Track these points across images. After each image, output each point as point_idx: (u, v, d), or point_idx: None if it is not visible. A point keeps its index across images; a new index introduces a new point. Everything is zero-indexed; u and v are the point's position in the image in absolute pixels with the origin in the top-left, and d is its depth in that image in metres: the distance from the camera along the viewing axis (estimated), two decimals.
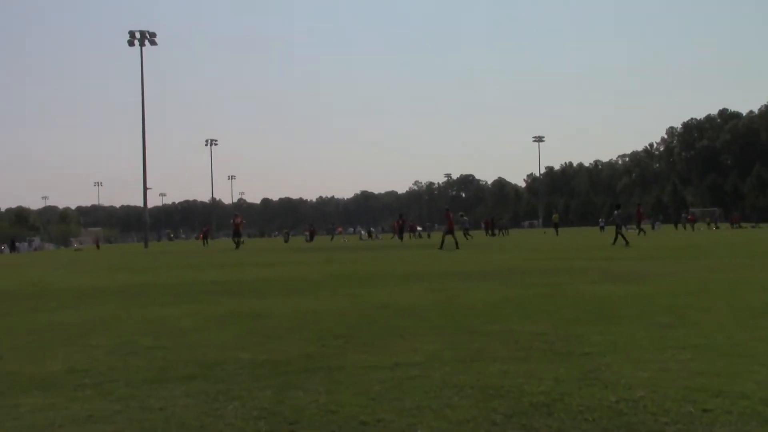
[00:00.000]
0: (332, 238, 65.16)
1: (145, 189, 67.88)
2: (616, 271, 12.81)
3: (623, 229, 26.38)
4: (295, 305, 8.79)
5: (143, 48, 64.06)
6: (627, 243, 25.26)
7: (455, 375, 4.47)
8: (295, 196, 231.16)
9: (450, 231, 29.51)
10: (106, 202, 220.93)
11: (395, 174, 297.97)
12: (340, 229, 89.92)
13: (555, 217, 57.56)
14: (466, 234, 42.99)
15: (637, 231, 40.47)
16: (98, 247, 65.32)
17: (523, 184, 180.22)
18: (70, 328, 7.28)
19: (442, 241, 29.31)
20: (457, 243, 28.80)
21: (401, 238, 46.81)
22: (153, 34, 64.64)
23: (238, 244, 39.10)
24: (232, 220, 42.37)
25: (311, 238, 60.09)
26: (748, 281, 10.41)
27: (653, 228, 62.66)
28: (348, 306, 8.53)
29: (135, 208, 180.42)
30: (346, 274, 14.77)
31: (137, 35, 63.90)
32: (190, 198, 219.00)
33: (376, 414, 3.69)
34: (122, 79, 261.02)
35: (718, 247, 23.51)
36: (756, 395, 3.80)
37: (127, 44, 64.05)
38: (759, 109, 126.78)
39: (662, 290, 9.28)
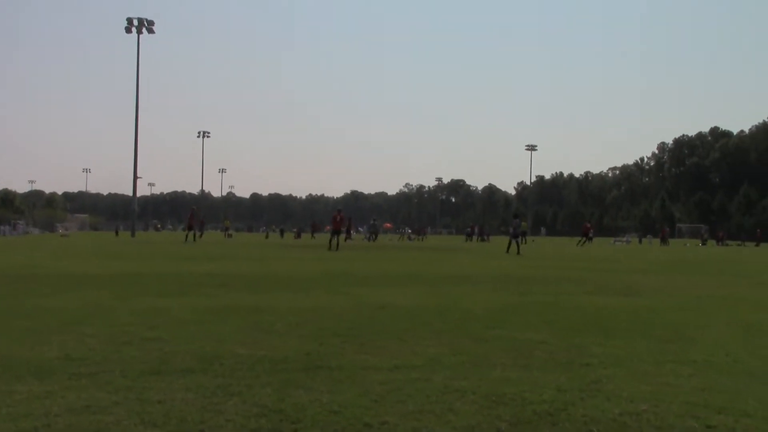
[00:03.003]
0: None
1: (135, 178, 67.51)
2: (612, 284, 12.82)
3: (521, 239, 29.27)
4: (291, 302, 8.75)
5: (140, 36, 63.70)
6: (519, 252, 26.71)
7: (456, 380, 4.45)
8: (285, 192, 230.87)
9: (336, 232, 29.60)
10: (93, 189, 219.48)
11: (386, 175, 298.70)
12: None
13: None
14: (370, 238, 50.86)
15: (582, 242, 46.28)
16: (117, 233, 62.99)
17: (513, 192, 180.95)
18: (63, 315, 7.19)
19: (330, 242, 29.53)
20: (333, 244, 28.97)
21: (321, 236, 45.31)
22: (151, 22, 64.10)
23: (187, 237, 37.98)
24: (190, 213, 40.74)
25: (299, 236, 62.89)
26: (741, 299, 10.46)
27: (640, 242, 63.07)
28: (345, 305, 8.49)
29: (122, 196, 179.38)
30: (341, 272, 14.72)
31: (135, 22, 63.39)
32: (179, 189, 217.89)
33: (380, 416, 3.66)
34: (117, 66, 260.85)
35: (707, 264, 23.64)
36: (758, 413, 3.81)
37: (124, 31, 63.70)
38: (749, 129, 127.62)
39: (658, 305, 9.29)
